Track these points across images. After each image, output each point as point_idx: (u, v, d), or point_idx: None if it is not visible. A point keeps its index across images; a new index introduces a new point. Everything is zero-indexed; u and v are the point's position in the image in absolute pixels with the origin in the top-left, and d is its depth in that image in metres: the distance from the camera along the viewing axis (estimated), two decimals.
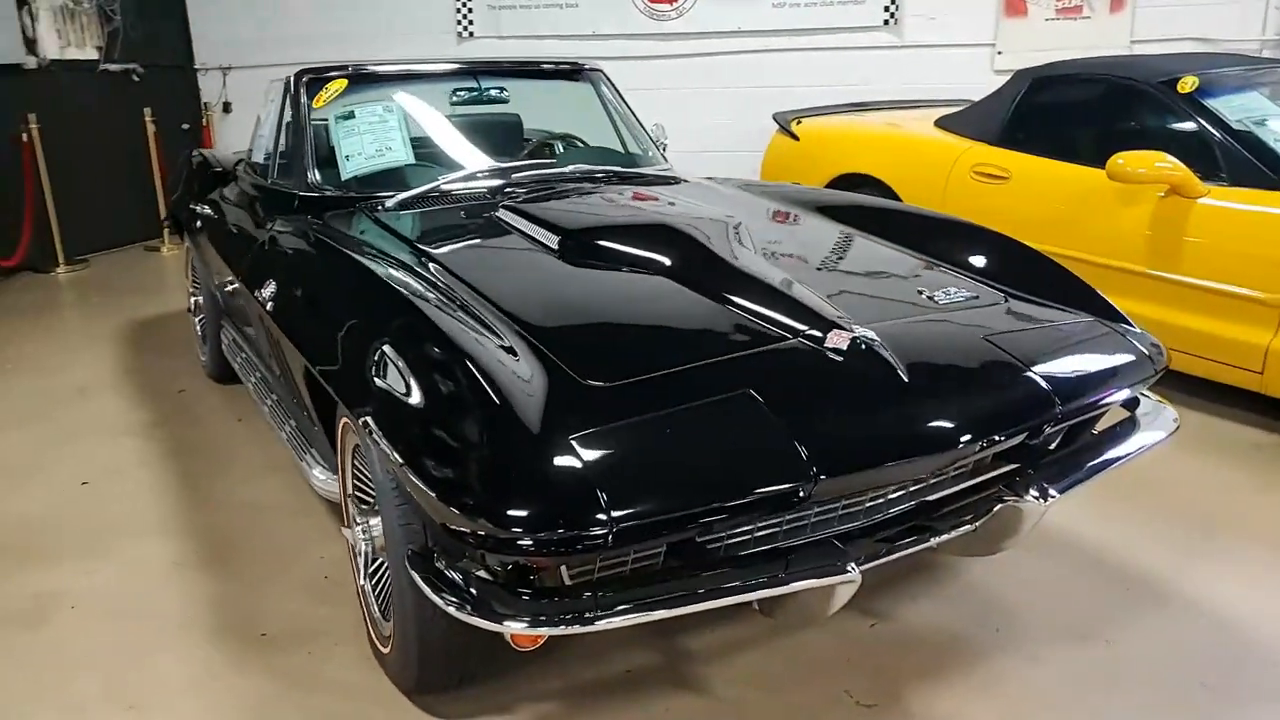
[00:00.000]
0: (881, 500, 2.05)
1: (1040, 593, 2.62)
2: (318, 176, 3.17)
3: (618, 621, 1.69)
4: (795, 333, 2.06)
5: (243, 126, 5.43)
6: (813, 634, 2.44)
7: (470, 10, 7.43)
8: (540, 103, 4.04)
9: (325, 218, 3.00)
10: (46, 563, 2.86)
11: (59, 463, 3.56)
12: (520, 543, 1.58)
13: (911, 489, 2.10)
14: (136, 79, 7.56)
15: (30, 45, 6.79)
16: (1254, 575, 2.69)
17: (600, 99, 3.88)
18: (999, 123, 4.47)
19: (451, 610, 1.66)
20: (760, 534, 1.93)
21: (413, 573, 1.75)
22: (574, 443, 1.67)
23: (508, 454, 1.67)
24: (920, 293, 2.38)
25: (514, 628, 1.66)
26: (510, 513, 1.58)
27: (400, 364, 1.86)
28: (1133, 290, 3.86)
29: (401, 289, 2.20)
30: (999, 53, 6.53)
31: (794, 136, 5.43)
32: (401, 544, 1.88)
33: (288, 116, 3.36)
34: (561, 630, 1.67)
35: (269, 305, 2.62)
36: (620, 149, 3.76)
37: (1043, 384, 2.06)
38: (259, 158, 3.63)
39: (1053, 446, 2.30)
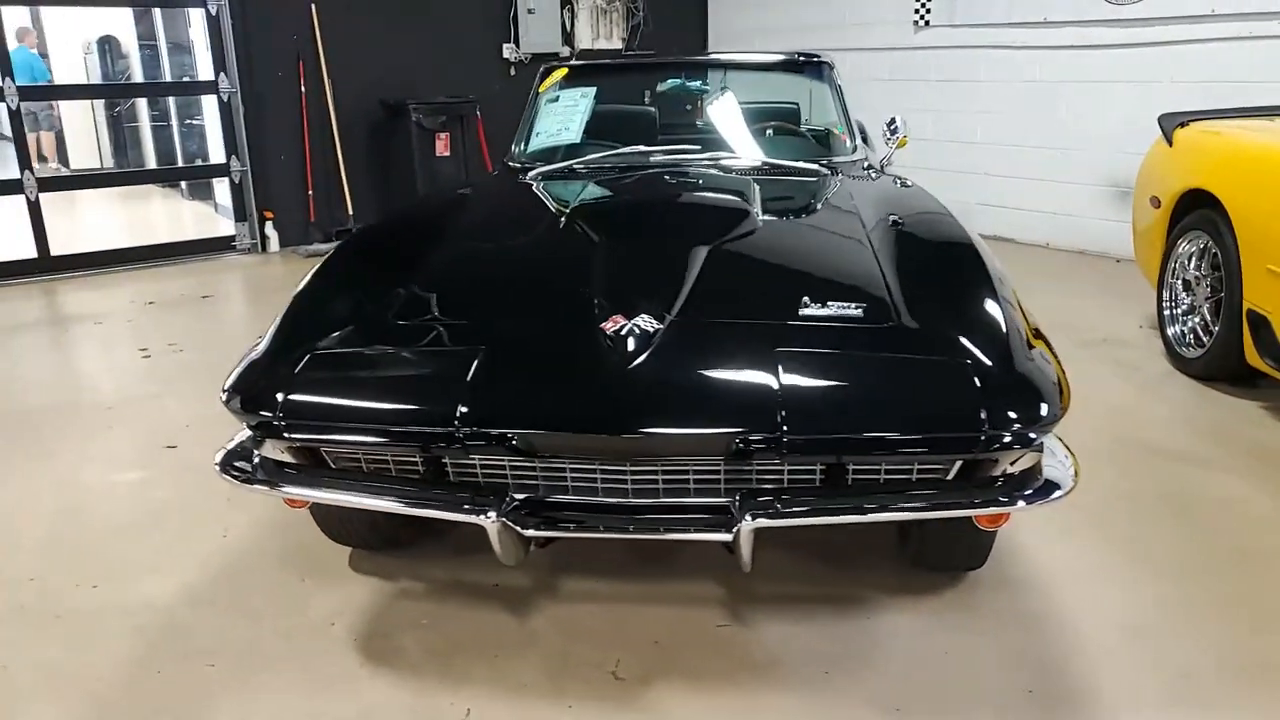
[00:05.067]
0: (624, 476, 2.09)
1: (933, 662, 2.30)
2: (522, 148, 3.86)
3: (321, 496, 2.19)
4: (607, 312, 2.20)
5: None
6: (661, 612, 2.52)
7: None
8: (779, 91, 4.22)
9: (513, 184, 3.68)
10: None
11: None
12: (250, 423, 2.14)
13: (697, 476, 2.10)
14: None
15: (567, 38, 8.52)
16: None
17: (828, 90, 3.94)
18: None
19: (217, 470, 2.23)
20: (516, 472, 2.15)
21: (219, 453, 2.30)
22: (310, 359, 2.16)
23: (260, 365, 2.20)
24: (802, 300, 2.26)
25: (260, 490, 2.21)
26: (232, 401, 2.14)
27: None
28: None
29: (397, 244, 2.79)
30: None
31: (1170, 143, 4.59)
32: None
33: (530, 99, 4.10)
34: (287, 494, 2.18)
35: None
36: (818, 139, 3.81)
37: (778, 408, 1.92)
38: None
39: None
